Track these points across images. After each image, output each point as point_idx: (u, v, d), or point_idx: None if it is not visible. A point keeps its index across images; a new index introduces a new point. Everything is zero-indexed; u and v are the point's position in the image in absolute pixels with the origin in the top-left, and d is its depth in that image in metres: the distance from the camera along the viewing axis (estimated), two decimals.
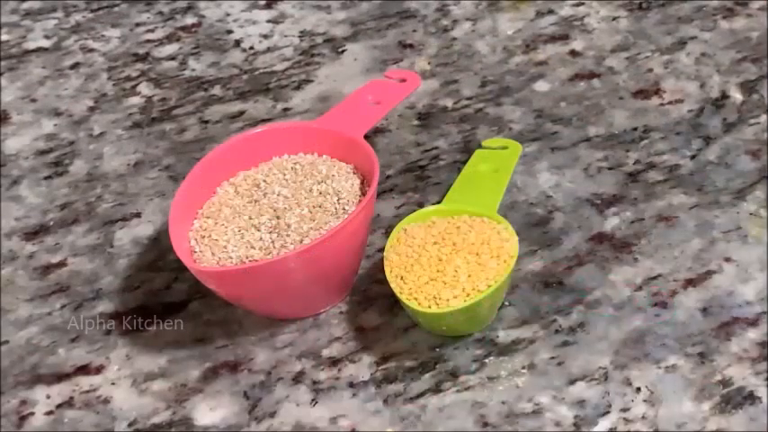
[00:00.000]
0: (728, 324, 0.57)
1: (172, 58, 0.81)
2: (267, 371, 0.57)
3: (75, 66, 0.81)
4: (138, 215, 0.67)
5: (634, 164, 0.68)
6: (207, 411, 0.55)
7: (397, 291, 0.55)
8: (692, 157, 0.68)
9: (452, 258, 0.56)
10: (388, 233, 0.61)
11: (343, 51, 0.80)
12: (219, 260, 0.57)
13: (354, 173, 0.61)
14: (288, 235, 0.57)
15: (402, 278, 0.56)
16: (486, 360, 0.57)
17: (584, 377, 0.55)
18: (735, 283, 0.60)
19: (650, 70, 0.76)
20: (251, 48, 0.81)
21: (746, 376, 0.55)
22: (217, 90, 0.77)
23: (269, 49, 0.81)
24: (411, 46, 0.80)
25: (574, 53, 0.78)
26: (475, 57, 0.78)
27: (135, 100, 0.77)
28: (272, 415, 0.55)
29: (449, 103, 0.74)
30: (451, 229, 0.58)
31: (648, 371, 0.55)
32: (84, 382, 0.57)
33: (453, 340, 0.58)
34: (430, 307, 0.54)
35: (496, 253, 0.56)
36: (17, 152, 0.73)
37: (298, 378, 0.57)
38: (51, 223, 0.67)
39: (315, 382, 0.56)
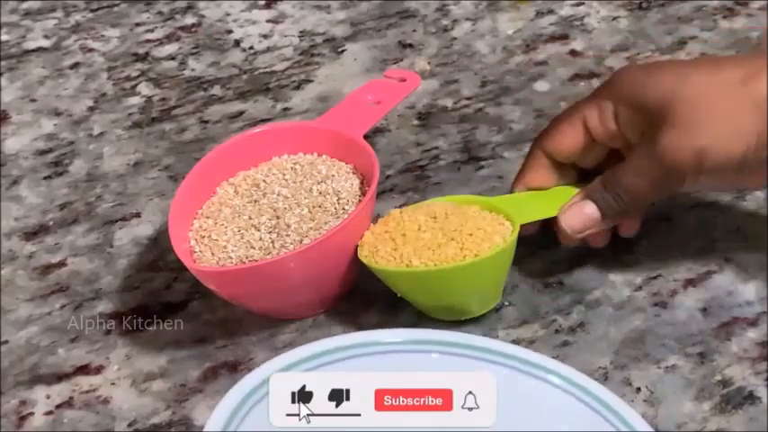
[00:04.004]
0: (728, 324, 0.57)
1: (171, 57, 0.81)
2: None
3: (74, 66, 0.81)
4: (137, 215, 0.67)
5: None
6: (207, 411, 0.55)
7: (362, 255, 0.55)
8: None
9: (434, 232, 0.54)
10: None
11: (342, 51, 0.80)
12: (219, 260, 0.57)
13: (354, 173, 0.61)
14: (287, 235, 0.57)
15: (376, 250, 0.55)
16: None
17: None
18: (735, 283, 0.60)
19: None
20: (251, 48, 0.81)
21: (746, 376, 0.55)
22: (216, 90, 0.77)
23: (269, 49, 0.81)
24: (411, 46, 0.80)
25: (574, 53, 0.78)
26: (475, 57, 0.78)
27: (135, 100, 0.77)
28: None
29: (449, 102, 0.74)
30: (442, 210, 0.56)
31: (648, 371, 0.55)
32: (84, 382, 0.57)
33: None
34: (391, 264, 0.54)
35: (487, 236, 0.54)
36: (17, 152, 0.73)
37: None
38: (51, 223, 0.67)
39: None
